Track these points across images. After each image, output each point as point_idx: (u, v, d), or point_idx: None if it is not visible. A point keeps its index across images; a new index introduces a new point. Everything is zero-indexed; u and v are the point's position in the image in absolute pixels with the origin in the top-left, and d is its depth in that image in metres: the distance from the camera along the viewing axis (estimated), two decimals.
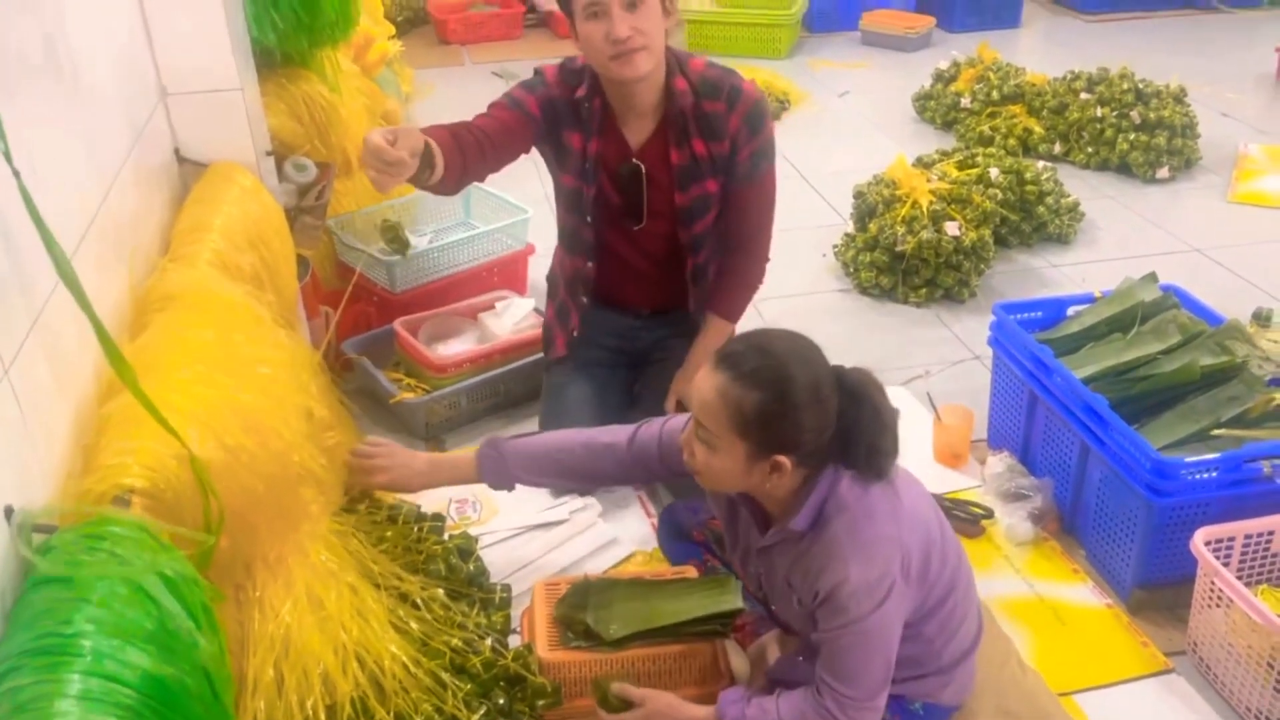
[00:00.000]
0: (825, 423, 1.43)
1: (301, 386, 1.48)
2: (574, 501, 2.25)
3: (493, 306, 2.79)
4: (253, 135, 2.06)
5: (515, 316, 2.73)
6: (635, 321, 2.42)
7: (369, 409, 2.63)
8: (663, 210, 2.22)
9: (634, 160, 2.17)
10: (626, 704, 1.62)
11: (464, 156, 1.98)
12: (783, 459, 1.42)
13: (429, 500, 2.23)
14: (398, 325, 2.66)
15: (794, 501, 1.49)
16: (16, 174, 1.04)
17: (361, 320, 2.85)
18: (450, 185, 2.01)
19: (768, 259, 2.34)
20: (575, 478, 1.90)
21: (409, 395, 2.52)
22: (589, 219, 2.24)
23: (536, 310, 2.73)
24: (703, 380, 1.44)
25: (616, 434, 1.79)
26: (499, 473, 1.85)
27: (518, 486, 1.89)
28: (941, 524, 1.58)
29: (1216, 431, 2.00)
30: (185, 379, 1.29)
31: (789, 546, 1.52)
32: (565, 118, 2.16)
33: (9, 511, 1.03)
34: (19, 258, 1.19)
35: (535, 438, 1.88)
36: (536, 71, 2.20)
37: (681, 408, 2.29)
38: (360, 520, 1.83)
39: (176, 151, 1.99)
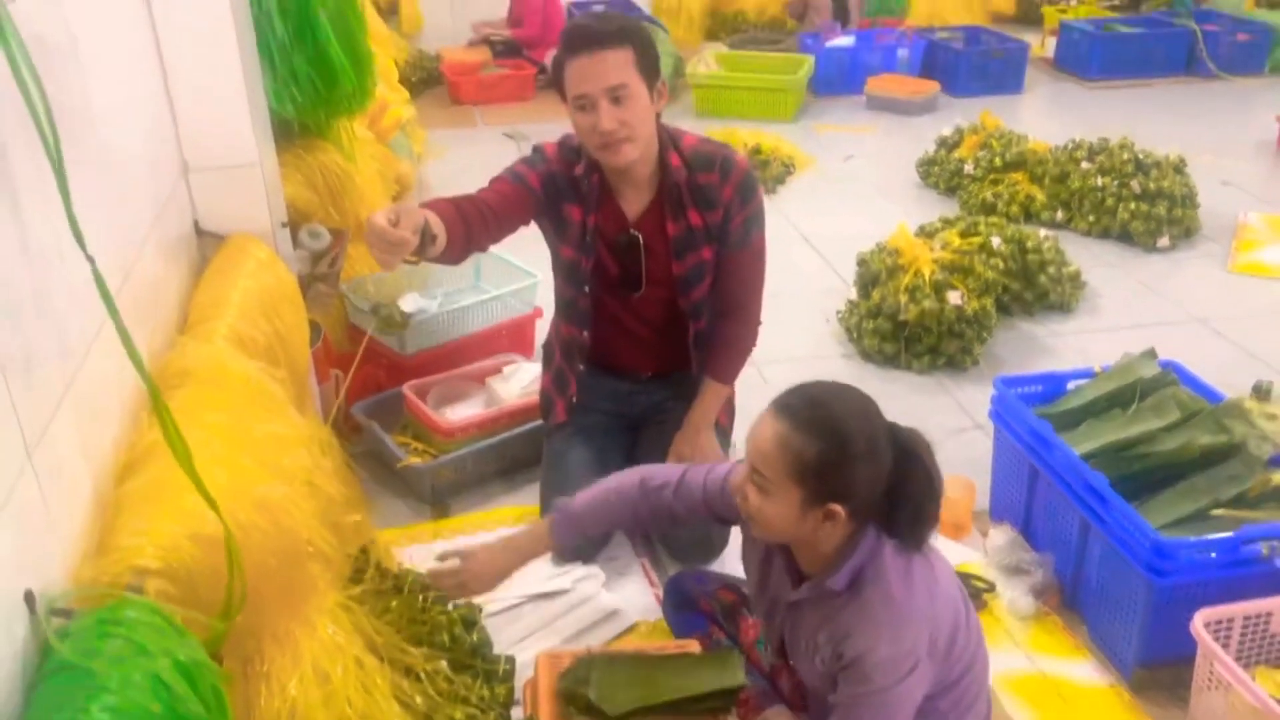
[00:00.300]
0: (878, 476, 1.46)
1: (313, 465, 1.51)
2: (577, 570, 2.27)
3: (500, 371, 2.83)
4: (269, 207, 2.11)
5: (523, 381, 2.76)
6: (633, 385, 2.46)
7: (376, 472, 2.65)
8: (660, 278, 2.27)
9: (631, 231, 2.23)
10: None
11: (467, 227, 2.01)
12: (837, 508, 1.45)
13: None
14: (406, 389, 2.70)
15: (833, 559, 1.51)
16: (91, 260, 1.09)
17: (371, 383, 2.89)
18: (454, 255, 2.04)
19: (759, 323, 2.39)
20: (636, 520, 1.89)
21: (416, 460, 2.55)
22: (586, 289, 2.30)
23: None
24: (762, 428, 1.48)
25: (669, 474, 1.82)
26: (571, 531, 1.87)
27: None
28: (966, 601, 1.60)
29: (1216, 511, 2.02)
30: (200, 457, 1.32)
31: (821, 604, 1.54)
32: (565, 192, 2.22)
33: (29, 596, 1.05)
34: (60, 332, 1.23)
35: (594, 488, 1.90)
36: (536, 149, 2.27)
37: None
38: (366, 590, 1.85)
39: (196, 224, 2.04)
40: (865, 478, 1.45)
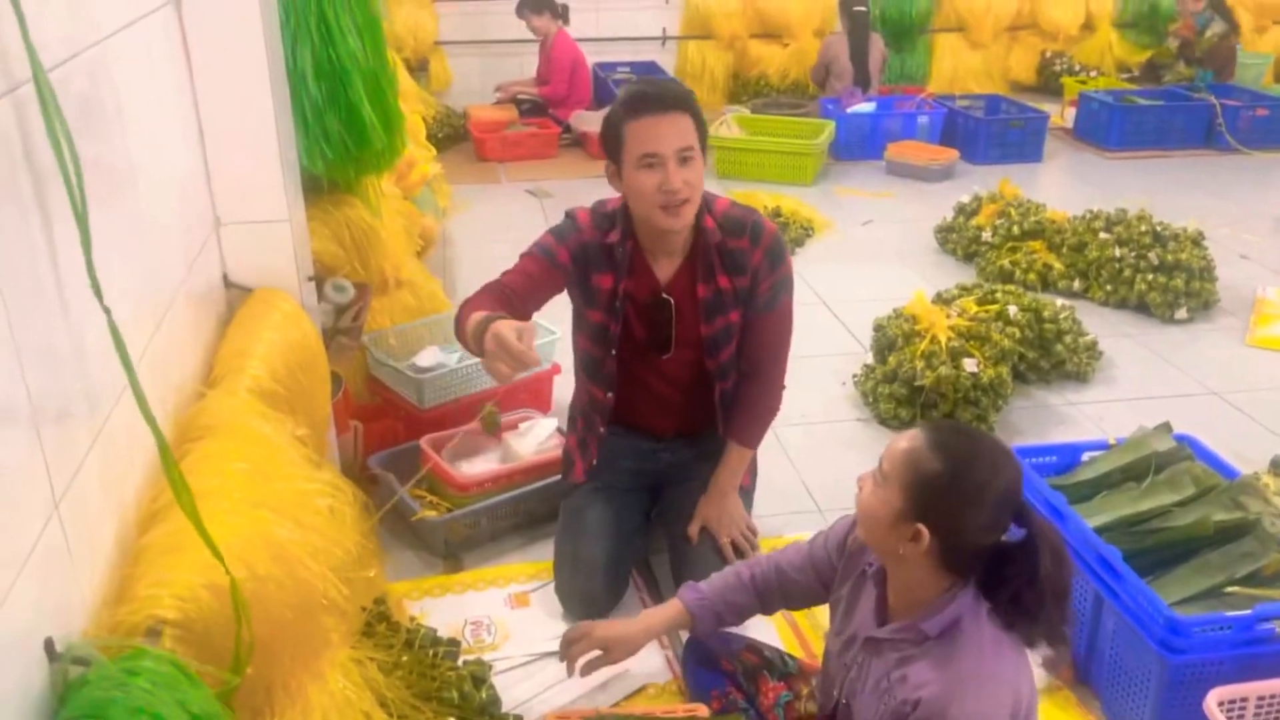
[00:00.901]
0: (984, 532, 1.47)
1: (331, 517, 1.53)
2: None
3: (517, 426, 2.85)
4: (296, 261, 2.16)
5: (539, 437, 2.78)
6: (655, 444, 2.47)
7: (391, 524, 2.67)
8: (688, 340, 2.30)
9: (663, 295, 2.26)
10: None
11: (512, 316, 2.03)
12: (924, 530, 1.46)
13: (443, 622, 2.27)
14: (423, 443, 2.72)
15: (930, 603, 1.51)
16: (107, 311, 1.12)
17: (389, 435, 2.92)
18: None
19: (784, 386, 2.41)
20: (761, 604, 1.94)
21: (430, 514, 2.56)
22: (613, 352, 2.32)
23: (560, 431, 2.79)
24: (909, 432, 1.53)
25: (798, 554, 1.87)
26: (708, 616, 1.92)
27: (535, 609, 1.95)
28: (1037, 708, 1.57)
29: (1230, 589, 2.01)
30: (220, 509, 1.35)
31: (904, 647, 1.53)
32: (596, 261, 2.24)
33: (49, 644, 1.08)
34: (90, 383, 1.27)
35: (724, 580, 1.94)
36: (569, 216, 2.29)
37: (705, 534, 2.33)
38: (378, 644, 1.86)
39: (224, 277, 2.09)
40: (969, 524, 1.46)
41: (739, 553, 2.32)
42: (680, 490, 2.44)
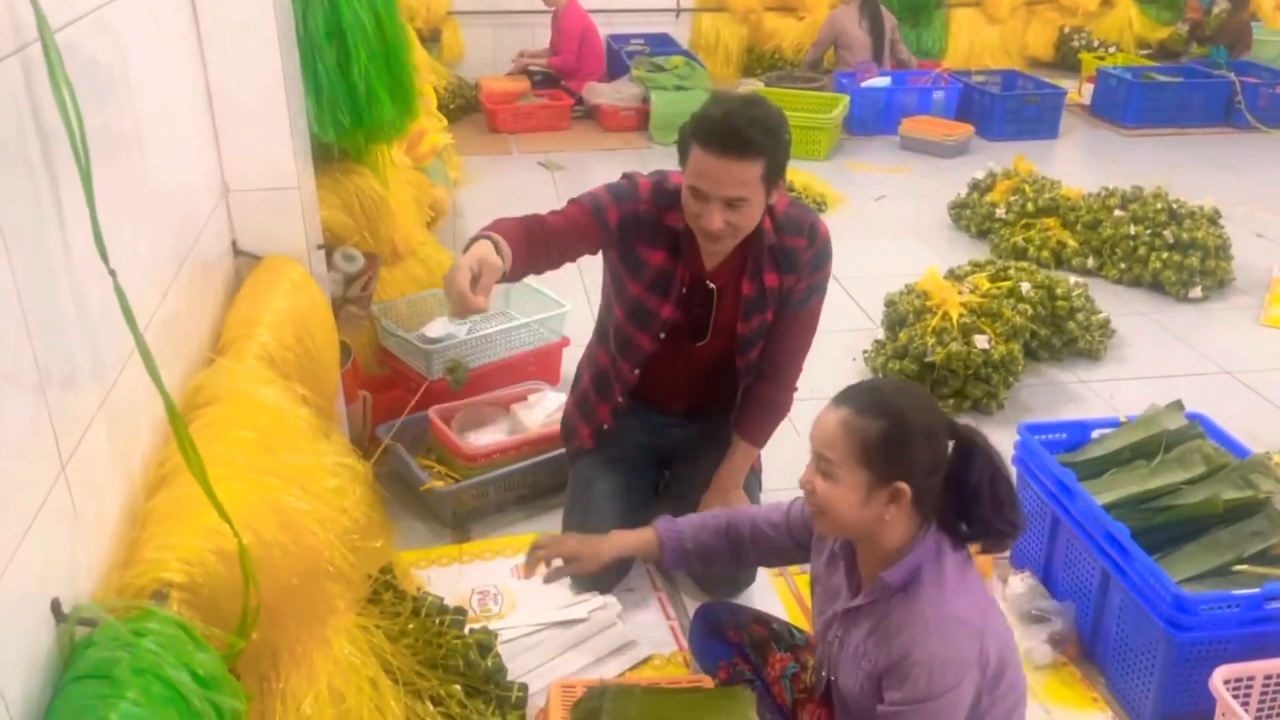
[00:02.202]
0: (937, 463, 1.50)
1: (339, 486, 1.53)
2: (594, 600, 2.28)
3: (525, 398, 2.85)
4: (306, 230, 2.16)
5: (547, 409, 2.78)
6: (668, 419, 2.46)
7: (398, 494, 2.68)
8: (723, 331, 2.26)
9: (709, 283, 2.21)
10: None
11: (530, 251, 1.99)
12: (903, 486, 1.48)
13: (452, 590, 2.28)
14: (432, 413, 2.73)
15: (893, 556, 1.54)
16: (113, 273, 1.12)
17: (398, 405, 2.92)
18: (514, 277, 2.01)
19: (796, 389, 2.39)
20: (735, 557, 1.95)
21: (438, 484, 2.57)
22: (662, 335, 2.25)
23: None
24: (824, 417, 1.53)
25: (776, 512, 1.89)
26: (678, 552, 1.93)
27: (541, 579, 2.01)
28: (1016, 652, 1.59)
29: (1239, 567, 2.00)
30: (227, 475, 1.35)
31: (875, 609, 1.55)
32: (647, 233, 2.16)
33: (56, 605, 1.08)
34: (97, 348, 1.27)
35: (701, 520, 1.95)
36: (630, 179, 2.19)
37: None
38: (384, 612, 1.87)
39: (233, 244, 2.08)
40: (926, 459, 1.49)
41: None
42: (691, 466, 2.43)
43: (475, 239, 1.88)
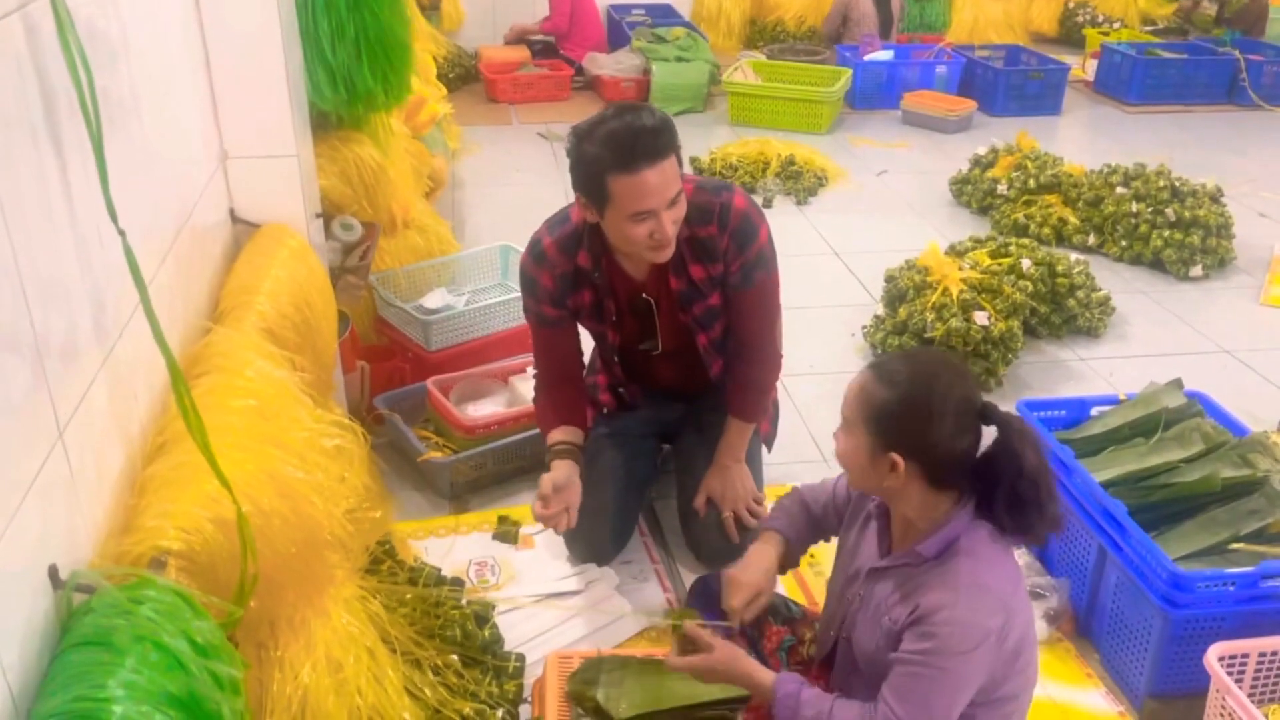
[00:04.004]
0: (953, 439, 1.48)
1: (337, 455, 1.53)
2: (591, 571, 2.28)
3: (524, 370, 2.84)
4: (304, 198, 2.14)
5: None
6: (669, 393, 2.45)
7: (397, 464, 2.68)
8: (674, 330, 2.26)
9: (644, 295, 2.20)
10: (694, 647, 1.66)
11: (580, 399, 2.34)
12: (898, 459, 1.49)
13: (449, 561, 2.28)
14: (430, 384, 2.72)
15: (928, 529, 1.54)
16: (122, 233, 1.11)
17: (396, 376, 2.92)
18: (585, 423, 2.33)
19: (779, 357, 2.37)
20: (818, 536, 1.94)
21: (436, 455, 2.57)
22: (614, 356, 2.33)
23: None
24: (854, 379, 1.57)
25: (823, 490, 1.89)
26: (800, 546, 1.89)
27: (539, 550, 2.02)
28: (1035, 637, 1.59)
29: (1235, 545, 2.00)
30: (226, 444, 1.35)
31: (905, 571, 1.56)
32: (569, 285, 2.17)
33: (54, 571, 1.08)
34: (97, 313, 1.26)
35: (792, 508, 1.91)
36: (533, 251, 2.18)
37: (712, 507, 2.33)
38: (382, 581, 1.87)
39: (231, 211, 2.07)
40: (936, 436, 1.48)
41: (741, 527, 2.31)
42: (695, 439, 2.42)
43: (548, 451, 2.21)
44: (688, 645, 1.67)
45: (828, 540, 1.95)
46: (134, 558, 1.18)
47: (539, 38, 6.52)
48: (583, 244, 2.13)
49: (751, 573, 1.80)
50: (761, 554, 1.84)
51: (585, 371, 2.47)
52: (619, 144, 1.90)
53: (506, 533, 2.43)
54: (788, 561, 1.86)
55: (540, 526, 2.37)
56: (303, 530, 1.41)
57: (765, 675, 1.61)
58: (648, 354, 2.31)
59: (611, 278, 2.19)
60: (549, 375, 2.32)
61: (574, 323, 2.27)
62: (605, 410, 2.44)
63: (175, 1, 1.81)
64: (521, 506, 2.56)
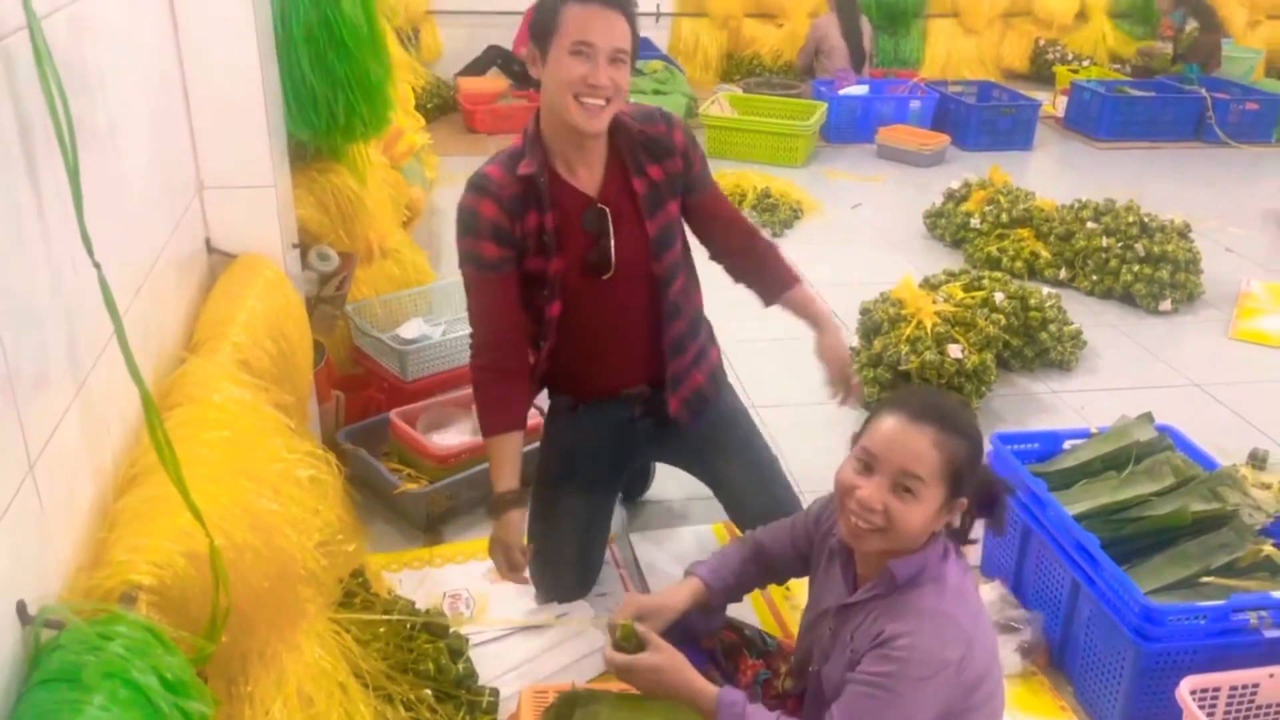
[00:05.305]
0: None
1: (311, 487, 1.52)
2: (565, 604, 2.27)
3: None
4: (281, 228, 2.14)
5: None
6: (628, 409, 2.24)
7: (365, 497, 2.62)
8: (630, 252, 2.08)
9: (598, 205, 2.06)
10: (640, 646, 1.63)
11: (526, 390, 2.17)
12: (965, 502, 1.54)
13: (423, 593, 2.26)
14: (394, 415, 2.70)
15: (904, 553, 1.56)
16: (97, 265, 1.11)
17: (371, 405, 2.91)
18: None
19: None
20: (766, 579, 1.94)
21: (412, 486, 2.55)
22: (546, 294, 2.08)
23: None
24: (908, 436, 1.49)
25: (780, 529, 1.87)
26: (724, 596, 1.88)
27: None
28: (999, 667, 1.60)
29: (1206, 579, 2.02)
30: (199, 476, 1.33)
31: (873, 604, 1.56)
32: (519, 206, 2.02)
33: (21, 607, 1.06)
34: (70, 344, 1.25)
35: (728, 554, 1.90)
36: (477, 181, 2.06)
37: (753, 468, 2.33)
38: (355, 614, 1.85)
39: (207, 242, 2.06)
40: (982, 468, 1.56)
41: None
42: (683, 447, 2.33)
43: (495, 486, 2.09)
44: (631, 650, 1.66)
45: (780, 583, 1.97)
46: (104, 592, 1.16)
47: (515, 60, 6.52)
48: (525, 154, 2.02)
49: (649, 598, 1.83)
50: (672, 591, 1.85)
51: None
52: None
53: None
54: (706, 606, 1.85)
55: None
56: (275, 564, 1.39)
57: (708, 686, 1.59)
58: (593, 304, 2.10)
59: (556, 191, 2.03)
60: (489, 337, 2.07)
61: (514, 274, 2.05)
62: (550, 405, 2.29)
63: (154, 32, 1.81)
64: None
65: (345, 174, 2.79)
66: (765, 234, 2.31)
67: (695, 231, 2.24)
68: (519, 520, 2.08)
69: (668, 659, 1.63)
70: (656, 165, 2.09)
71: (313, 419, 2.36)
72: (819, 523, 1.79)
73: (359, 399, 2.88)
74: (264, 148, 2.03)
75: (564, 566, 2.29)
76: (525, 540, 2.13)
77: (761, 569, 1.88)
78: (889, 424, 1.52)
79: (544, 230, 2.03)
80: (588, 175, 2.06)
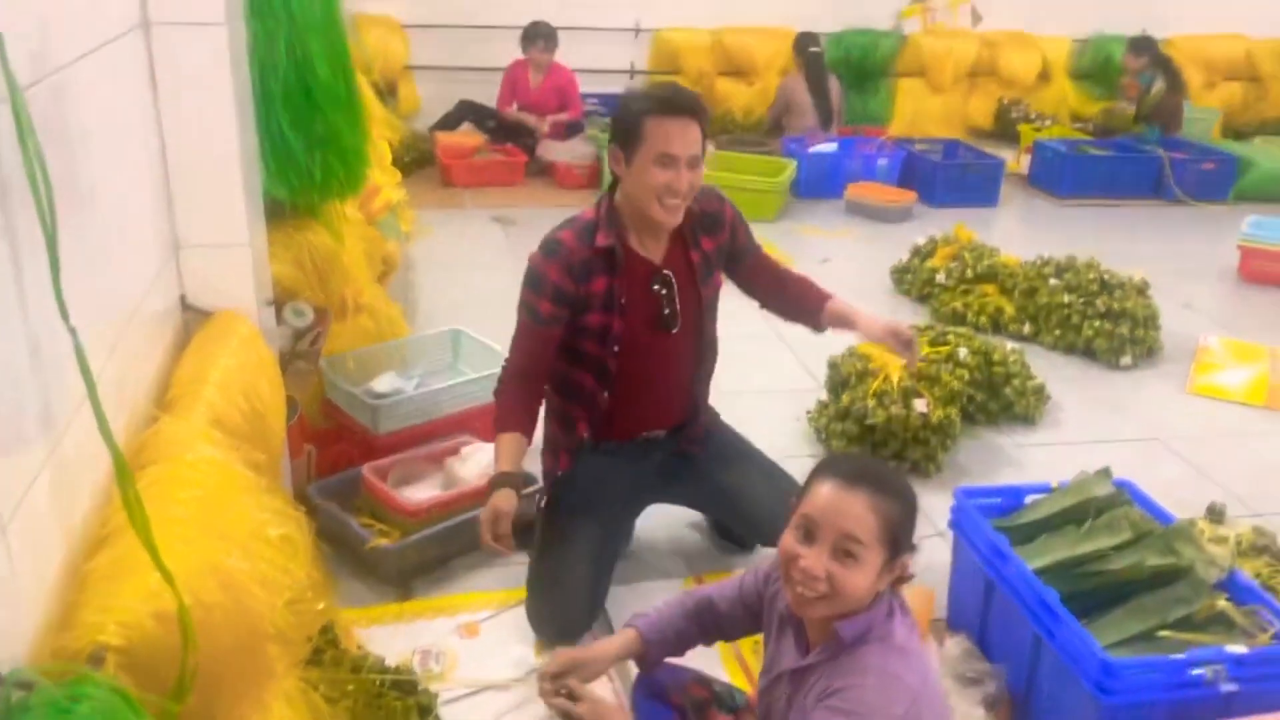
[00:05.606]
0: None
1: (281, 544, 1.53)
2: (531, 660, 2.28)
3: (458, 451, 2.85)
4: (256, 285, 2.17)
5: (481, 462, 2.77)
6: (646, 446, 2.52)
7: (336, 551, 2.62)
8: (688, 311, 2.42)
9: (664, 271, 2.38)
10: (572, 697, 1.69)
11: (532, 420, 2.41)
12: (907, 560, 1.59)
13: (393, 649, 2.26)
14: (366, 470, 2.71)
15: (850, 615, 1.59)
16: (73, 330, 1.13)
17: (343, 459, 2.91)
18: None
19: None
20: (704, 639, 1.97)
21: (383, 541, 2.56)
22: (615, 349, 2.37)
23: None
24: (844, 501, 1.54)
25: (730, 587, 1.91)
26: (661, 651, 1.92)
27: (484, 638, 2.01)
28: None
29: (1163, 633, 2.06)
30: (169, 536, 1.35)
31: (823, 668, 1.59)
32: (587, 272, 2.30)
33: None
34: (45, 404, 1.27)
35: (670, 608, 1.94)
36: (549, 245, 2.31)
37: (759, 476, 2.59)
38: (324, 671, 1.86)
39: (182, 299, 2.09)
40: (914, 525, 1.60)
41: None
42: (673, 491, 2.61)
43: (496, 468, 2.30)
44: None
45: (730, 640, 2.00)
46: (73, 653, 1.17)
47: (549, 120, 6.57)
48: (600, 229, 2.30)
49: (579, 650, 1.88)
50: (604, 643, 1.90)
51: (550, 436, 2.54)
52: (663, 95, 2.23)
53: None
54: (642, 659, 1.89)
55: (488, 612, 2.38)
56: (244, 623, 1.41)
57: None
58: (650, 358, 2.40)
59: (628, 260, 2.33)
60: (520, 365, 2.37)
61: (560, 329, 2.33)
62: (580, 443, 2.46)
63: (134, 94, 1.85)
64: (467, 594, 2.55)
65: (321, 231, 2.82)
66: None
67: (743, 287, 2.60)
68: (513, 496, 2.25)
69: (592, 710, 1.68)
70: (709, 238, 2.43)
71: (284, 475, 2.36)
72: (768, 581, 1.83)
73: (331, 453, 2.89)
74: (240, 207, 2.07)
75: (575, 590, 2.37)
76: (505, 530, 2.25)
77: (706, 626, 1.91)
78: (825, 490, 1.56)
79: (613, 292, 2.33)
80: (655, 246, 2.38)
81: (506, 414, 2.36)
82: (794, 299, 2.61)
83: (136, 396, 1.73)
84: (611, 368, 2.39)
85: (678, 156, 2.18)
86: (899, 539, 1.56)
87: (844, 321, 2.54)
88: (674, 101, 2.20)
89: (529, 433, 2.38)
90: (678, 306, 2.40)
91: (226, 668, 1.39)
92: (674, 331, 2.41)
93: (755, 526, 2.60)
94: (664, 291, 2.38)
